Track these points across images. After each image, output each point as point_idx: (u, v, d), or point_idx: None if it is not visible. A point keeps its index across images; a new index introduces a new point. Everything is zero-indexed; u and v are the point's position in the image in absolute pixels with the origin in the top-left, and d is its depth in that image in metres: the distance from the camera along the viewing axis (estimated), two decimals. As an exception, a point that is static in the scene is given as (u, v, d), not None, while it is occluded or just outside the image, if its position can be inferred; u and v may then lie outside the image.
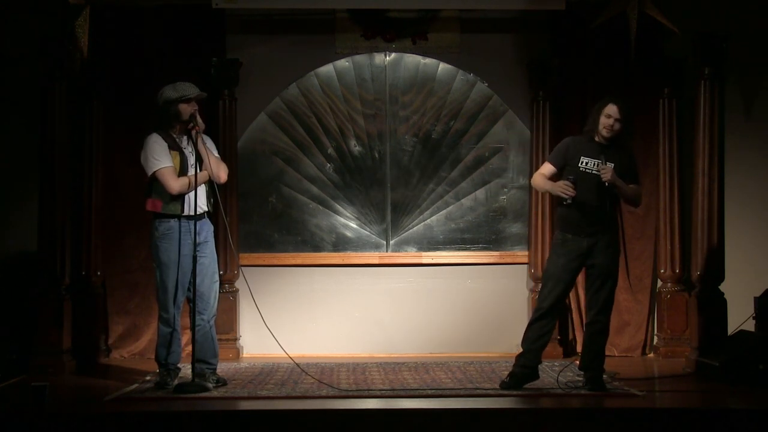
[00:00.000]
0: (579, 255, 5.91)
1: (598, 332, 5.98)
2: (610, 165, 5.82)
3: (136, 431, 5.23)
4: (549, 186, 5.98)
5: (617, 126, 5.87)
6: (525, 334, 6.04)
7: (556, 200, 6.13)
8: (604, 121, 5.89)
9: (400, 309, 7.59)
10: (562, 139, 6.30)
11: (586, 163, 5.89)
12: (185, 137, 5.98)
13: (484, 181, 7.66)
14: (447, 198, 7.67)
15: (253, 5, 7.36)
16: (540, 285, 6.22)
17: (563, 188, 5.84)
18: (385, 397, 5.80)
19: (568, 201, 5.83)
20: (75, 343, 6.85)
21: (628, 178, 5.94)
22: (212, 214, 6.14)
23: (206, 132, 6.02)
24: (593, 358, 5.97)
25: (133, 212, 7.30)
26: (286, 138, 7.65)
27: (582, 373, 6.02)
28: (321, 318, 7.57)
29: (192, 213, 5.89)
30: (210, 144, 6.08)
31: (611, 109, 5.88)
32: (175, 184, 5.88)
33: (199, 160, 5.95)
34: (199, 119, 5.92)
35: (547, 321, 5.98)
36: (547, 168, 6.04)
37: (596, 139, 5.95)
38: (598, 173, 5.84)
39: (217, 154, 6.09)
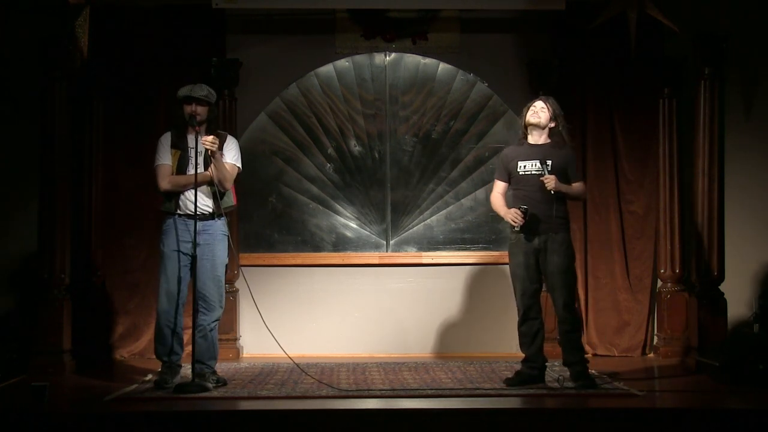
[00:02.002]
0: (533, 251, 5.98)
1: (570, 330, 6.03)
2: (551, 175, 5.91)
3: (136, 431, 5.23)
4: (503, 211, 6.11)
5: (543, 113, 6.02)
6: (519, 339, 6.11)
7: (512, 198, 6.15)
8: (528, 113, 6.07)
9: (400, 309, 7.59)
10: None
11: (524, 167, 6.02)
12: (194, 137, 5.98)
13: (484, 181, 7.66)
14: (447, 198, 7.68)
15: (253, 5, 7.36)
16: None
17: (513, 216, 5.97)
18: (385, 397, 5.79)
19: (516, 229, 5.96)
20: (75, 343, 6.85)
21: (570, 176, 6.02)
22: (221, 216, 6.06)
23: (210, 131, 5.99)
24: (574, 353, 6.02)
25: (133, 212, 7.31)
26: (286, 138, 7.65)
27: (567, 369, 6.06)
28: (321, 318, 7.57)
29: (189, 212, 5.88)
30: (233, 150, 6.06)
31: (535, 103, 6.09)
32: (162, 182, 5.92)
33: (207, 161, 5.93)
34: (209, 140, 5.88)
35: (532, 321, 6.05)
36: (499, 186, 6.19)
37: (530, 141, 6.07)
38: (539, 174, 5.94)
39: (234, 161, 6.06)
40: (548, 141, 6.06)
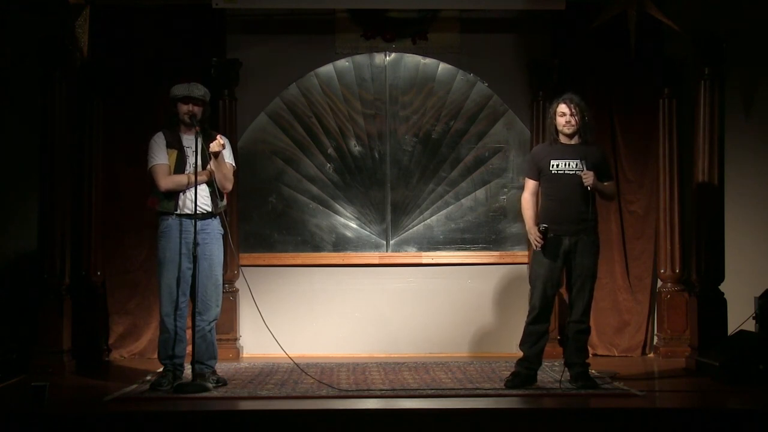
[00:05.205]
0: (562, 254, 5.95)
1: (582, 331, 6.04)
2: (590, 171, 5.88)
3: (136, 431, 5.23)
4: (528, 224, 6.09)
5: (575, 120, 5.96)
6: (523, 337, 6.07)
7: (543, 198, 6.14)
8: (560, 120, 6.01)
9: (400, 309, 7.59)
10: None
11: (557, 166, 5.97)
12: (192, 136, 5.97)
13: (484, 181, 7.67)
14: (447, 198, 7.68)
15: (253, 5, 7.36)
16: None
17: (534, 237, 5.98)
18: (385, 397, 5.79)
19: (538, 249, 5.95)
20: (75, 343, 6.85)
21: (602, 175, 6.01)
22: (218, 216, 6.05)
23: (205, 131, 5.99)
24: (579, 355, 6.02)
25: (133, 212, 7.31)
26: (286, 138, 7.65)
27: (567, 369, 6.05)
28: (321, 318, 7.57)
29: (189, 212, 5.87)
30: (227, 150, 6.03)
31: (562, 108, 6.01)
32: (163, 182, 5.90)
33: (203, 160, 5.93)
34: (219, 141, 5.87)
35: (542, 323, 6.02)
36: (530, 184, 6.12)
37: (562, 141, 6.03)
38: (574, 173, 5.92)
39: (230, 161, 6.07)
40: (579, 140, 6.02)
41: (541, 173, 6.04)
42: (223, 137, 5.98)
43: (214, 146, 5.87)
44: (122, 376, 6.49)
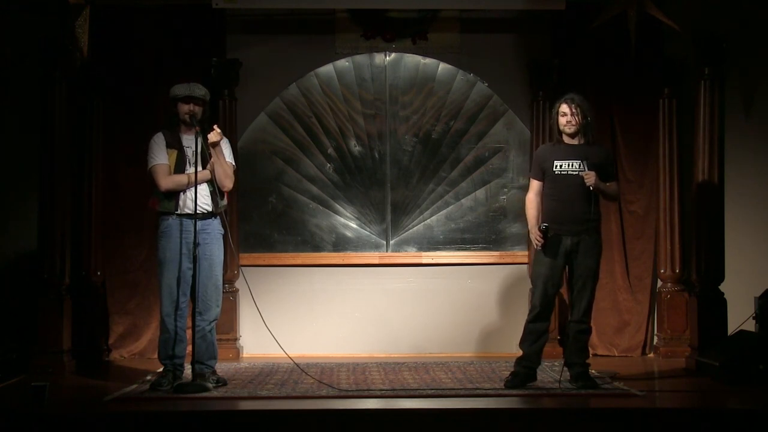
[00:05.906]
0: (563, 253, 5.95)
1: (583, 331, 6.04)
2: (592, 171, 5.89)
3: (136, 431, 5.23)
4: (530, 224, 6.12)
5: (575, 120, 5.98)
6: (523, 336, 6.08)
7: (546, 198, 6.14)
8: (562, 120, 6.02)
9: (400, 309, 7.59)
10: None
11: (561, 166, 5.98)
12: (192, 136, 5.97)
13: (484, 181, 7.67)
14: (447, 198, 7.68)
15: (253, 5, 7.36)
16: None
17: (535, 236, 6.00)
18: (385, 397, 5.79)
19: (538, 248, 5.97)
20: (75, 343, 6.85)
21: (606, 176, 6.02)
22: (219, 216, 6.06)
23: (205, 131, 5.99)
24: (579, 355, 6.02)
25: (133, 212, 7.31)
26: (286, 138, 7.65)
27: (567, 369, 6.05)
28: (321, 318, 7.57)
29: (189, 212, 5.87)
30: (227, 149, 6.05)
31: (563, 108, 6.03)
32: (163, 182, 5.90)
33: (204, 160, 5.94)
34: (217, 131, 5.90)
35: (542, 321, 6.03)
36: (534, 184, 6.14)
37: (565, 141, 6.03)
38: (577, 174, 5.92)
39: (230, 160, 6.06)
40: (583, 141, 6.02)
41: (545, 174, 6.04)
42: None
43: (212, 136, 5.88)
44: (122, 376, 6.49)
